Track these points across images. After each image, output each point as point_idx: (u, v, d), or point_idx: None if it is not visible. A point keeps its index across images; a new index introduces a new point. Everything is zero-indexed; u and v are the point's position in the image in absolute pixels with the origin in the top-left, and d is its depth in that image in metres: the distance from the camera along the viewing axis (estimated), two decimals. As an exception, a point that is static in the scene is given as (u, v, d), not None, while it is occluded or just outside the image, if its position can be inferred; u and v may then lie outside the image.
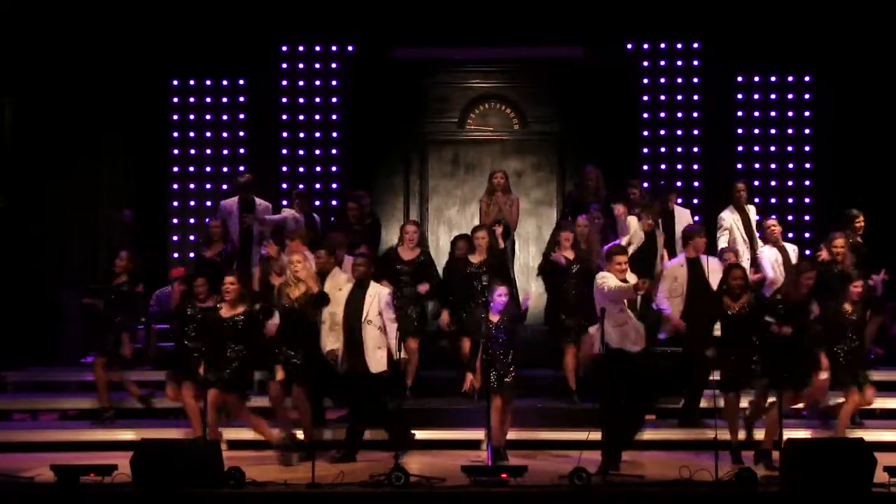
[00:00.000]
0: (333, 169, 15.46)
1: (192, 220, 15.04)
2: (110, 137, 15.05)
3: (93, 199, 14.93)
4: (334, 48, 15.54)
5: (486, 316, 10.76)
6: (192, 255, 14.15)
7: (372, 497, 9.32)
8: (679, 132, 15.35)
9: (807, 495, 9.21)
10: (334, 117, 15.53)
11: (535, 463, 10.38)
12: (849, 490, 9.22)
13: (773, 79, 15.36)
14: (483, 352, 10.74)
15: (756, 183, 14.90)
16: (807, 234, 14.76)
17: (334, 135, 15.50)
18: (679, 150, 15.35)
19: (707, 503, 9.12)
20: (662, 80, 15.41)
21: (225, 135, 15.50)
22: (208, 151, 15.47)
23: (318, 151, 15.49)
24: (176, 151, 15.46)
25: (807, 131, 15.27)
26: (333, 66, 15.55)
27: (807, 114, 15.30)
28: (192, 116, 15.49)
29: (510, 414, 10.77)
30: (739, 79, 15.37)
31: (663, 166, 15.28)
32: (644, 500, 9.29)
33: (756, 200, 14.60)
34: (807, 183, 15.23)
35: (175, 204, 15.28)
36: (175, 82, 15.48)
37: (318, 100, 15.53)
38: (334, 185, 15.34)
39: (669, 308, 11.52)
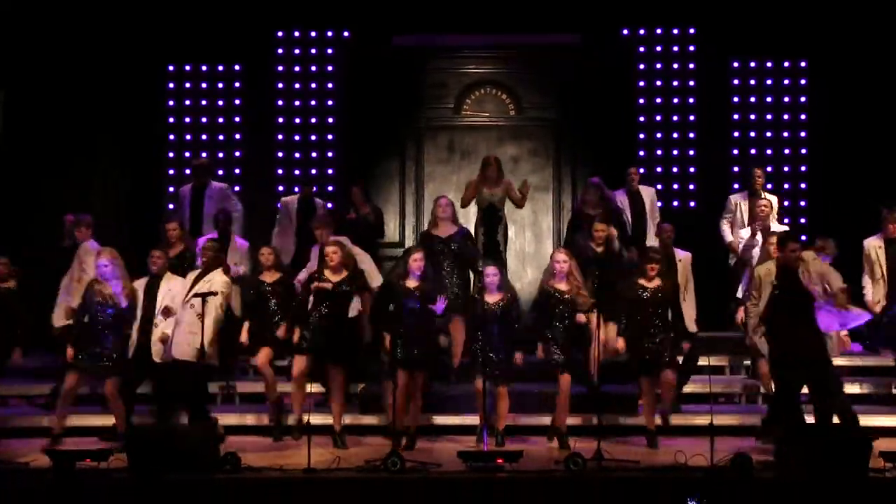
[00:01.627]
0: (329, 155, 15.41)
1: (188, 206, 14.95)
2: (106, 124, 14.99)
3: (86, 188, 14.88)
4: (330, 34, 15.49)
5: (480, 297, 10.78)
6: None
7: (368, 482, 9.29)
8: (675, 118, 15.31)
9: (802, 481, 9.19)
10: (330, 103, 15.48)
11: (531, 448, 10.37)
12: (845, 475, 9.21)
13: (768, 64, 15.30)
14: (475, 334, 10.77)
15: (761, 169, 14.86)
16: (802, 220, 14.74)
17: (330, 121, 15.45)
18: (675, 135, 15.30)
19: (702, 489, 9.09)
20: (658, 66, 15.36)
21: (221, 120, 15.45)
22: (204, 137, 15.42)
23: (313, 137, 15.44)
24: (172, 137, 15.41)
25: (802, 117, 15.21)
26: (329, 51, 15.49)
27: (802, 99, 15.25)
28: (187, 102, 15.44)
29: (507, 399, 10.79)
30: (735, 64, 15.31)
31: (659, 152, 15.25)
32: (639, 485, 9.27)
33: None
34: (802, 169, 15.19)
35: (171, 189, 15.22)
36: (171, 68, 15.43)
37: (313, 85, 15.48)
38: (330, 171, 15.30)
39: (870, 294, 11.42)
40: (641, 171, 13.94)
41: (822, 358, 10.23)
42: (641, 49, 15.38)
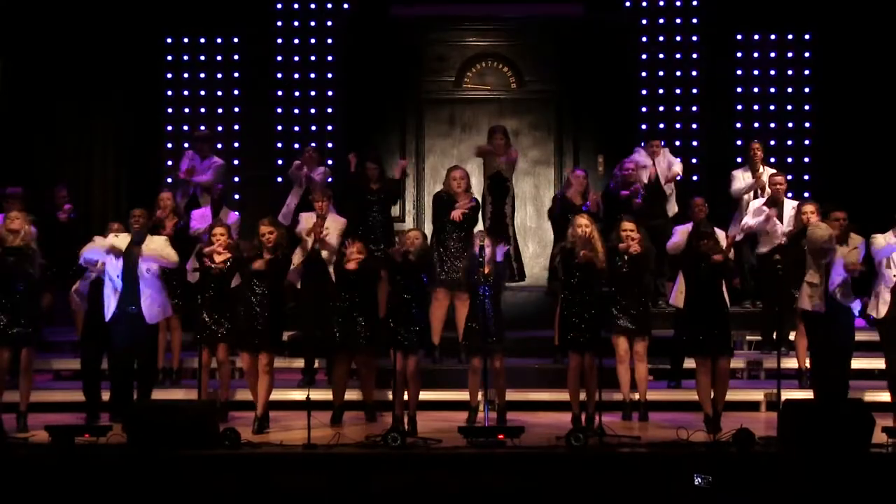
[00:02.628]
0: (329, 128, 15.37)
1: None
2: (105, 97, 14.96)
3: (86, 159, 14.87)
4: (329, 5, 15.43)
5: (478, 269, 10.67)
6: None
7: (367, 458, 9.31)
8: (678, 91, 15.26)
9: (804, 456, 9.21)
10: (330, 76, 15.42)
11: (533, 424, 10.38)
12: (847, 451, 9.22)
13: (772, 37, 15.25)
14: (472, 307, 10.72)
15: (759, 143, 14.82)
16: (806, 194, 14.69)
17: (329, 93, 15.40)
18: (678, 109, 15.26)
19: (704, 464, 9.11)
20: (661, 39, 15.31)
21: (219, 93, 15.40)
22: (203, 110, 15.37)
23: (313, 110, 15.39)
24: (170, 110, 15.37)
25: (807, 90, 15.18)
26: (329, 23, 15.43)
27: (807, 72, 15.21)
28: (186, 75, 15.39)
29: (503, 373, 10.72)
30: (739, 37, 15.27)
31: (661, 125, 15.20)
32: (640, 461, 9.30)
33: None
34: (806, 142, 15.16)
35: (170, 163, 15.18)
36: (169, 40, 15.36)
37: (313, 58, 15.42)
38: (330, 145, 15.26)
39: None
40: (642, 144, 13.88)
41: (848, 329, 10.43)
42: (644, 21, 15.31)
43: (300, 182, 13.19)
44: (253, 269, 10.56)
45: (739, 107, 15.25)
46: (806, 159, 15.11)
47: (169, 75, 15.36)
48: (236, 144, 15.31)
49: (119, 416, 10.32)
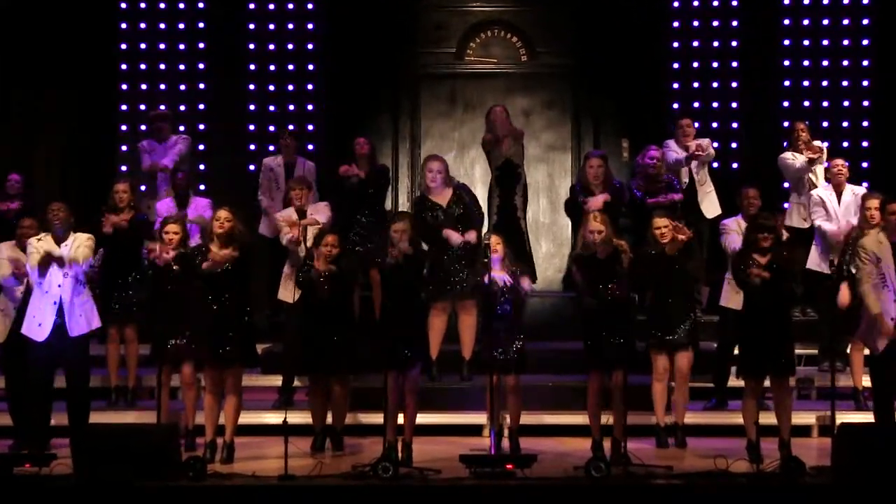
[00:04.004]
0: (309, 107, 15.36)
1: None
2: (54, 71, 14.97)
3: (23, 144, 14.92)
4: (310, -35, 15.48)
5: (485, 275, 10.59)
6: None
7: (353, 491, 9.29)
8: (715, 64, 15.25)
9: (862, 489, 9.17)
10: (310, 47, 15.42)
11: (548, 451, 10.35)
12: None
13: (825, 1, 15.24)
14: (484, 320, 10.67)
15: (805, 123, 14.80)
16: (865, 183, 14.66)
17: (310, 67, 15.39)
18: (715, 85, 15.24)
19: (746, 497, 9.08)
20: (696, 4, 15.30)
21: (182, 68, 15.39)
22: (162, 87, 15.36)
23: (291, 87, 15.38)
24: (125, 87, 15.36)
25: (865, 63, 15.15)
26: (309, -15, 15.47)
27: (865, 43, 15.18)
28: (143, 45, 15.37)
29: (520, 394, 10.68)
30: (786, 1, 15.24)
31: (696, 104, 15.18)
32: (672, 494, 9.26)
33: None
34: (864, 124, 15.14)
35: (124, 148, 15.17)
36: (123, 6, 15.35)
37: (291, 26, 15.42)
38: (310, 127, 15.24)
39: None
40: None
41: None
42: (676, -17, 15.36)
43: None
44: (204, 266, 10.37)
45: (787, 83, 15.22)
46: (864, 143, 15.07)
47: (123, 46, 15.35)
48: (202, 127, 15.28)
49: (33, 442, 10.27)
